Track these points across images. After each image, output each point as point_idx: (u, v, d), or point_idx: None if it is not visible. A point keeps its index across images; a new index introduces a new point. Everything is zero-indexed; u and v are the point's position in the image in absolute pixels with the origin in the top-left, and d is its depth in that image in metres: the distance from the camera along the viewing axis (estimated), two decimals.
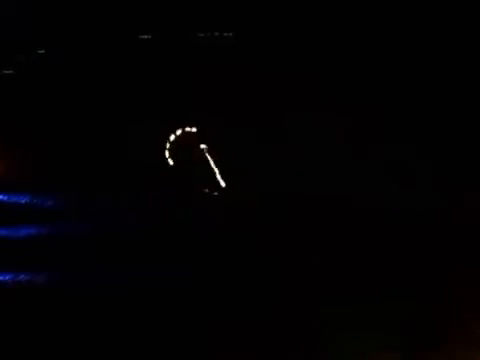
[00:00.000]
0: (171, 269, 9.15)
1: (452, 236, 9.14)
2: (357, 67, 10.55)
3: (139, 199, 9.91)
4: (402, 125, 10.23)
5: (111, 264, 9.24)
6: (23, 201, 9.91)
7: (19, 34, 10.96)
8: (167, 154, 10.40)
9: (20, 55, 11.10)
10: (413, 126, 10.22)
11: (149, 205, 9.86)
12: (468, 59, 10.36)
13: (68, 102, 10.64)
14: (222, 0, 10.82)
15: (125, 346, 8.28)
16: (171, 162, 10.38)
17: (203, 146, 10.40)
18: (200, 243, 9.36)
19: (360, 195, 9.70)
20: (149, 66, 11.01)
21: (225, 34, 11.13)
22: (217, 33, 11.10)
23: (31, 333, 8.38)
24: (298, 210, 9.68)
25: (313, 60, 10.62)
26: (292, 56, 10.74)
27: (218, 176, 10.26)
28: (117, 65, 11.03)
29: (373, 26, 10.54)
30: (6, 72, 11.03)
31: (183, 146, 10.43)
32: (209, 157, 10.35)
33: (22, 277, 9.00)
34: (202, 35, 11.14)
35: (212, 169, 10.31)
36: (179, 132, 10.50)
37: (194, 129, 10.52)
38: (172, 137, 10.47)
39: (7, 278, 8.98)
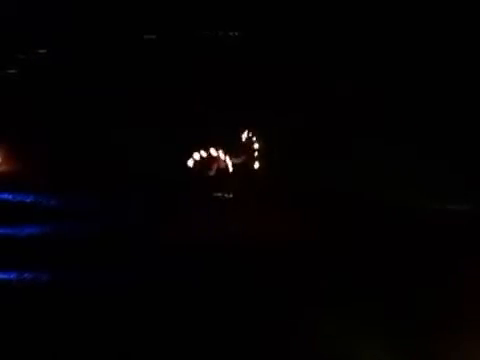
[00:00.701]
0: (177, 269, 8.97)
1: None
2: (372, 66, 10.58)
3: (148, 199, 9.81)
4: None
5: (118, 264, 9.08)
6: (28, 200, 9.79)
7: (22, 33, 10.96)
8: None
9: (23, 54, 11.10)
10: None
11: (158, 206, 9.75)
12: None
13: (75, 102, 10.63)
14: None
15: (132, 345, 8.12)
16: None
17: (213, 148, 10.30)
18: (208, 245, 9.20)
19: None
20: (154, 66, 11.04)
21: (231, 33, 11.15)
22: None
23: (37, 332, 8.21)
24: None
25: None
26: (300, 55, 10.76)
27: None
28: (123, 65, 11.07)
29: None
30: (10, 71, 11.02)
31: (192, 147, 10.34)
32: (220, 158, 10.27)
33: (26, 276, 8.86)
34: (208, 34, 11.15)
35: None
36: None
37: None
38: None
39: (12, 277, 8.83)
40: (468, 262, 8.73)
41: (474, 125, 10.08)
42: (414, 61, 10.57)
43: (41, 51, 11.06)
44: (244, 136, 10.44)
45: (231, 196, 9.89)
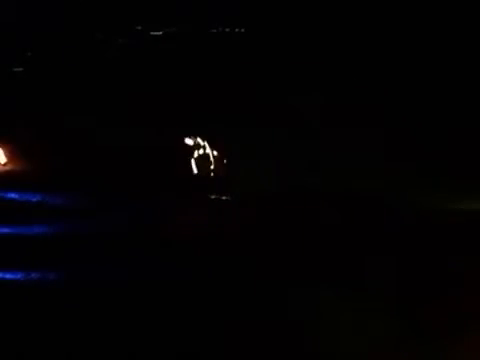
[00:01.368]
0: (183, 268, 9.09)
1: None
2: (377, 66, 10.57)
3: (153, 198, 9.88)
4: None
5: (126, 261, 9.19)
6: (34, 200, 9.88)
7: (25, 32, 10.97)
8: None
9: (29, 52, 11.10)
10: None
11: (164, 205, 9.82)
12: None
13: (80, 100, 10.62)
14: None
15: (138, 343, 8.24)
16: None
17: (210, 147, 10.36)
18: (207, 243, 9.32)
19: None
20: (158, 64, 11.01)
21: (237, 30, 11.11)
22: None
23: (43, 331, 8.34)
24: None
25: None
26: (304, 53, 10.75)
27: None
28: (127, 62, 11.04)
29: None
30: (16, 69, 11.03)
31: (192, 147, 10.40)
32: (218, 158, 10.33)
33: (33, 275, 8.97)
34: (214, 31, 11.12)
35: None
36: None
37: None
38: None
39: (19, 276, 8.94)
40: (468, 262, 8.83)
41: (474, 125, 10.08)
42: (414, 61, 10.55)
43: (46, 51, 11.05)
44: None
45: (229, 198, 9.99)
